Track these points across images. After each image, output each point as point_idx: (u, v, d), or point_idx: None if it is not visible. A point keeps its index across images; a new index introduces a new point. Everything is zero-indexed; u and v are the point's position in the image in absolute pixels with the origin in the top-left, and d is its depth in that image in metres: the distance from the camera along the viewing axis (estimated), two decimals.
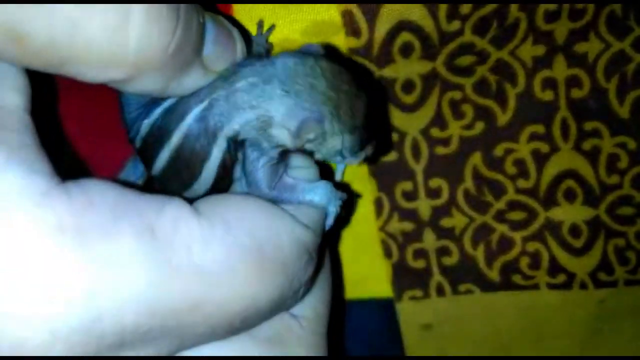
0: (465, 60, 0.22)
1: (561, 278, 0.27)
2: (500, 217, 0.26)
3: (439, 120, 0.24)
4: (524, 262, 0.27)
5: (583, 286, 0.27)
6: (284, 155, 0.19)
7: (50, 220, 0.12)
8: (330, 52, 0.19)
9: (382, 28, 0.22)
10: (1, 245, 0.12)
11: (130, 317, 0.13)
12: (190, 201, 0.15)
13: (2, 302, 0.12)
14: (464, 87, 0.23)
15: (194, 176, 0.18)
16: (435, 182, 0.26)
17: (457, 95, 0.23)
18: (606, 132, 0.25)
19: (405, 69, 0.22)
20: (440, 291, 0.28)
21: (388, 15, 0.22)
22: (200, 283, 0.14)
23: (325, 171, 0.20)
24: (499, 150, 0.25)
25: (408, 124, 0.24)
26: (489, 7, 0.22)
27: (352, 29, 0.22)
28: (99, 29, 0.13)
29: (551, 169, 0.26)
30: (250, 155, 0.18)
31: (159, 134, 0.18)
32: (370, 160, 0.21)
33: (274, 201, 0.17)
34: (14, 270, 0.12)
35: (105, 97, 0.18)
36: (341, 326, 0.29)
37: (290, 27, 0.22)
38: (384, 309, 0.28)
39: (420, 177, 0.26)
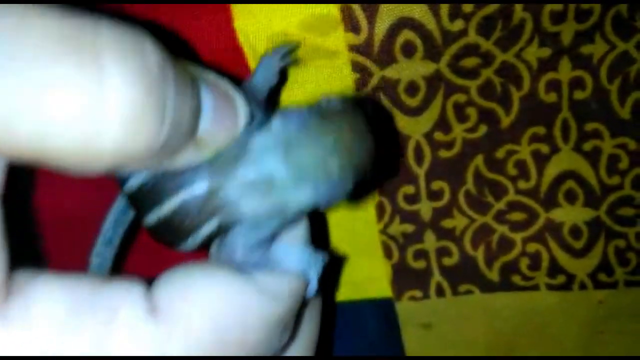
0: (470, 62, 0.22)
1: (561, 279, 0.27)
2: (500, 217, 0.26)
3: (443, 123, 0.23)
4: (524, 262, 0.27)
5: (583, 287, 0.27)
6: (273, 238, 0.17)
7: None
8: (349, 109, 0.17)
9: (382, 25, 0.22)
10: None
11: None
12: (152, 281, 0.14)
13: None
14: (469, 90, 0.23)
15: (181, 239, 0.17)
16: (437, 185, 0.26)
17: (461, 98, 0.23)
18: (607, 133, 0.25)
19: (408, 70, 0.22)
20: (440, 291, 0.28)
21: (388, 12, 0.21)
22: None
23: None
24: (500, 152, 0.25)
25: (412, 127, 0.24)
26: (493, 7, 0.21)
27: (351, 25, 0.21)
28: (68, 141, 0.11)
29: (552, 170, 0.26)
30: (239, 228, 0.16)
31: (149, 196, 0.16)
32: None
33: (245, 266, 0.16)
34: None
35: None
36: (340, 326, 0.29)
37: (287, 21, 0.21)
38: (383, 309, 0.28)
39: (422, 181, 0.25)
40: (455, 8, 0.21)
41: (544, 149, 0.25)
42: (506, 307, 0.28)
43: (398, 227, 0.26)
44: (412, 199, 0.26)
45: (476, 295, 0.28)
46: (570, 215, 0.26)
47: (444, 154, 0.25)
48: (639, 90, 0.24)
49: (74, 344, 0.12)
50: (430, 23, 0.21)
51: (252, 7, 0.21)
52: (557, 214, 0.26)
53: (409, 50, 0.22)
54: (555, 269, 0.27)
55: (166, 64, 0.12)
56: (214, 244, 0.17)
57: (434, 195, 0.26)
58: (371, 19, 0.21)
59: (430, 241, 0.27)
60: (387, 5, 0.21)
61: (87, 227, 0.19)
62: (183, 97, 0.13)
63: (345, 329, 0.29)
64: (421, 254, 0.27)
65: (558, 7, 0.21)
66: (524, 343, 0.28)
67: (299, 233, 0.18)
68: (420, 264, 0.27)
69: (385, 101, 0.23)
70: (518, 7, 0.21)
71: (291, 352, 0.18)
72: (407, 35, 0.22)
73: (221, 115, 0.14)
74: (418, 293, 0.28)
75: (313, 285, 0.17)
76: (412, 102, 0.23)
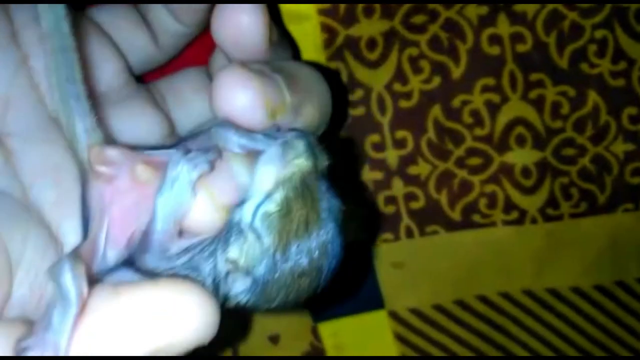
0: (419, 18, 0.25)
1: (514, 215, 0.31)
2: (460, 163, 0.30)
3: (400, 75, 0.27)
4: (482, 202, 0.30)
5: (534, 221, 0.31)
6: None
7: None
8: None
9: None
10: None
11: None
12: None
13: None
14: (419, 44, 0.26)
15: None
16: (400, 134, 0.29)
17: (414, 51, 0.26)
18: (549, 82, 0.28)
19: (368, 28, 0.25)
20: (409, 233, 0.31)
21: None
22: None
23: None
24: (456, 102, 0.28)
25: (373, 79, 0.27)
26: None
27: None
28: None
29: (503, 117, 0.29)
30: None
31: None
32: None
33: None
34: None
35: None
36: None
37: None
38: (360, 252, 0.32)
39: (386, 129, 0.29)
40: None
41: (495, 98, 0.28)
42: (468, 243, 0.31)
43: (368, 175, 0.30)
44: (379, 147, 0.29)
45: (441, 235, 0.31)
46: (520, 157, 0.30)
47: (404, 104, 0.28)
48: (573, 42, 0.27)
49: None
50: None
51: None
52: (510, 157, 0.30)
53: (369, 12, 0.25)
54: (509, 206, 0.30)
55: None
56: None
57: (399, 144, 0.29)
58: None
59: (398, 187, 0.30)
60: None
61: None
62: None
63: None
64: (391, 200, 0.30)
65: None
66: (483, 274, 0.32)
67: None
68: (390, 209, 0.31)
69: (348, 57, 0.26)
70: None
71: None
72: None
73: None
74: (390, 236, 0.31)
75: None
76: (372, 56, 0.26)
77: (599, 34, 0.27)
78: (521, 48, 0.27)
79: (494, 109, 0.29)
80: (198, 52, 0.23)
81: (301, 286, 0.16)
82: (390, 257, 0.32)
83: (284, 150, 0.16)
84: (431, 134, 0.29)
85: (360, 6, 0.25)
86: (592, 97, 0.28)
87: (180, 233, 0.17)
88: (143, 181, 0.17)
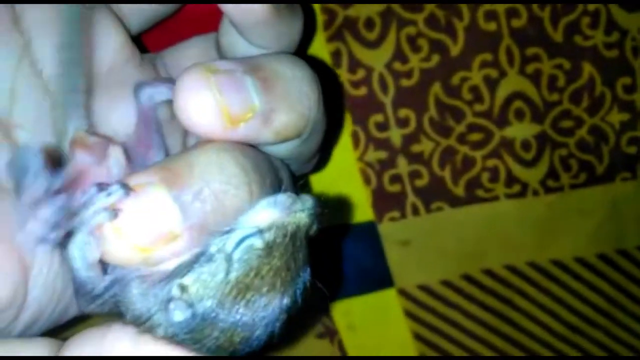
0: None
1: (516, 188, 0.31)
2: (461, 139, 0.30)
3: (399, 54, 0.27)
4: (485, 177, 0.31)
5: (535, 193, 0.31)
6: None
7: None
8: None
9: None
10: None
11: None
12: None
13: None
14: (417, 23, 0.26)
15: None
16: (403, 112, 0.29)
17: (412, 30, 0.27)
18: (545, 55, 0.29)
19: (365, 8, 0.26)
20: (415, 211, 0.32)
21: None
22: None
23: None
24: (455, 79, 0.29)
25: (373, 59, 0.27)
26: None
27: None
28: None
29: (502, 92, 0.30)
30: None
31: None
32: None
33: None
34: None
35: None
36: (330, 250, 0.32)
37: None
38: (367, 231, 0.32)
39: (389, 109, 0.29)
40: None
41: (493, 73, 0.29)
42: (472, 218, 0.32)
43: (373, 154, 0.30)
44: (382, 126, 0.30)
45: (446, 211, 0.32)
46: (520, 131, 0.30)
47: (405, 82, 0.28)
48: (567, 15, 0.28)
49: None
50: None
51: None
52: (509, 131, 0.30)
53: None
54: (511, 179, 0.31)
55: None
56: None
57: (402, 123, 0.30)
58: None
59: (402, 166, 0.31)
60: None
61: None
62: None
63: (335, 251, 0.33)
64: (396, 178, 0.31)
65: None
66: (489, 248, 0.32)
67: None
68: (395, 188, 0.31)
69: (348, 37, 0.26)
70: None
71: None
72: None
73: None
74: (396, 214, 0.32)
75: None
76: (371, 36, 0.27)
77: (592, 6, 0.28)
78: (517, 23, 0.28)
79: (492, 85, 0.29)
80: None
81: (233, 339, 0.16)
82: (397, 235, 0.32)
83: (293, 200, 0.16)
84: (432, 111, 0.30)
85: None
86: (587, 69, 0.29)
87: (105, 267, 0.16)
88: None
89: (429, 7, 0.26)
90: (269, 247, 0.16)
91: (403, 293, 0.33)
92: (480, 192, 0.31)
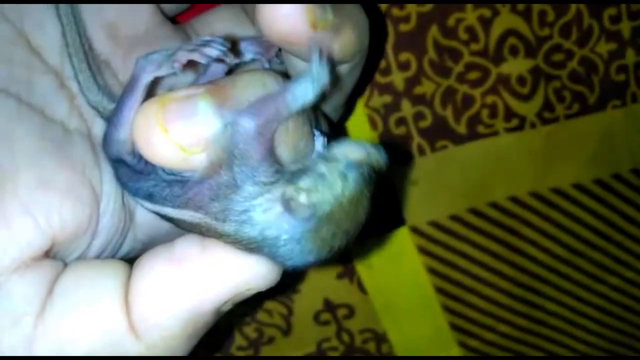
0: None
1: (515, 122, 0.33)
2: (460, 78, 0.32)
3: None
4: (485, 113, 0.33)
5: (532, 125, 0.33)
6: None
7: None
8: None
9: None
10: None
11: None
12: None
13: None
14: None
15: None
16: (403, 56, 0.31)
17: None
18: None
19: None
20: (421, 151, 0.34)
21: None
22: None
23: None
24: (451, 21, 0.31)
25: None
26: None
27: None
28: None
29: (496, 31, 0.31)
30: None
31: None
32: None
33: None
34: None
35: None
36: None
37: None
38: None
39: (390, 53, 0.31)
40: None
41: (487, 13, 0.31)
42: (475, 154, 0.34)
43: (378, 100, 0.32)
44: (385, 71, 0.31)
45: (450, 149, 0.34)
46: (515, 67, 0.32)
47: (403, 27, 0.30)
48: None
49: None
50: None
51: None
52: (505, 68, 0.32)
53: None
54: (509, 114, 0.33)
55: None
56: None
57: (403, 67, 0.31)
58: None
59: (406, 108, 0.33)
60: None
61: None
62: None
63: None
64: (401, 121, 0.33)
65: None
66: (492, 181, 0.35)
67: None
68: (401, 130, 0.33)
69: None
70: None
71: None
72: None
73: None
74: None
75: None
76: None
77: None
78: None
79: (486, 24, 0.31)
80: None
81: (332, 244, 0.18)
82: (406, 175, 0.34)
83: (376, 147, 0.19)
84: (431, 53, 0.31)
85: None
86: (574, 2, 0.31)
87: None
88: None
89: None
90: (369, 177, 0.19)
91: (415, 230, 0.35)
92: (481, 129, 0.33)
